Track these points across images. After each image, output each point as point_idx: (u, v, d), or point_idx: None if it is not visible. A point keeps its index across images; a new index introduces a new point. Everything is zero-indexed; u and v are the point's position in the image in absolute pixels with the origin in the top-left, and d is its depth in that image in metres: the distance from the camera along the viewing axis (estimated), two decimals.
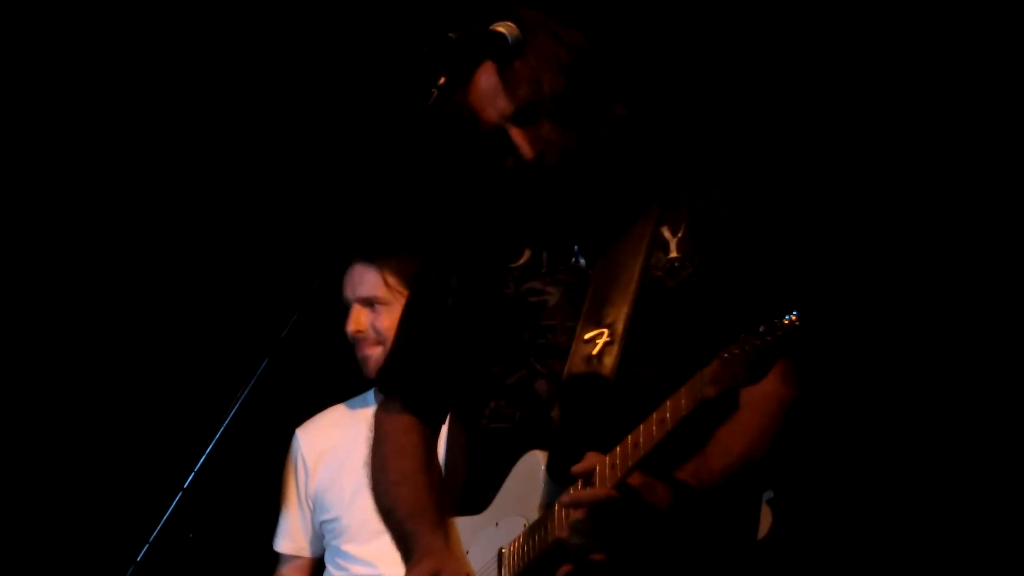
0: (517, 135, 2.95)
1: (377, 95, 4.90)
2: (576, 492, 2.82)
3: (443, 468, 3.21)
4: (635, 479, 2.79)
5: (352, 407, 4.63)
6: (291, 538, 4.64)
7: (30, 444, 5.24)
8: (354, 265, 4.47)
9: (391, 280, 4.41)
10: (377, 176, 2.95)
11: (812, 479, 4.68)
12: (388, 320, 4.35)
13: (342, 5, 5.09)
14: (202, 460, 2.94)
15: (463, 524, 3.08)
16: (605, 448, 2.82)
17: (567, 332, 3.00)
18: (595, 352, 2.95)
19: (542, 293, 3.05)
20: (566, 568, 2.82)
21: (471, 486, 3.11)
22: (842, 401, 4.64)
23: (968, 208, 4.59)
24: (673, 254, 3.01)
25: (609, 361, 2.93)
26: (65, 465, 5.26)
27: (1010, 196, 4.54)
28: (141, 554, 2.97)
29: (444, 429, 3.27)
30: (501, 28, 2.95)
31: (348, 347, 4.49)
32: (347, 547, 4.50)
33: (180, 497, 2.95)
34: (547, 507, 2.91)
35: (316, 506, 4.58)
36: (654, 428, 2.74)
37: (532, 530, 2.93)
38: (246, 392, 2.93)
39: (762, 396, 2.92)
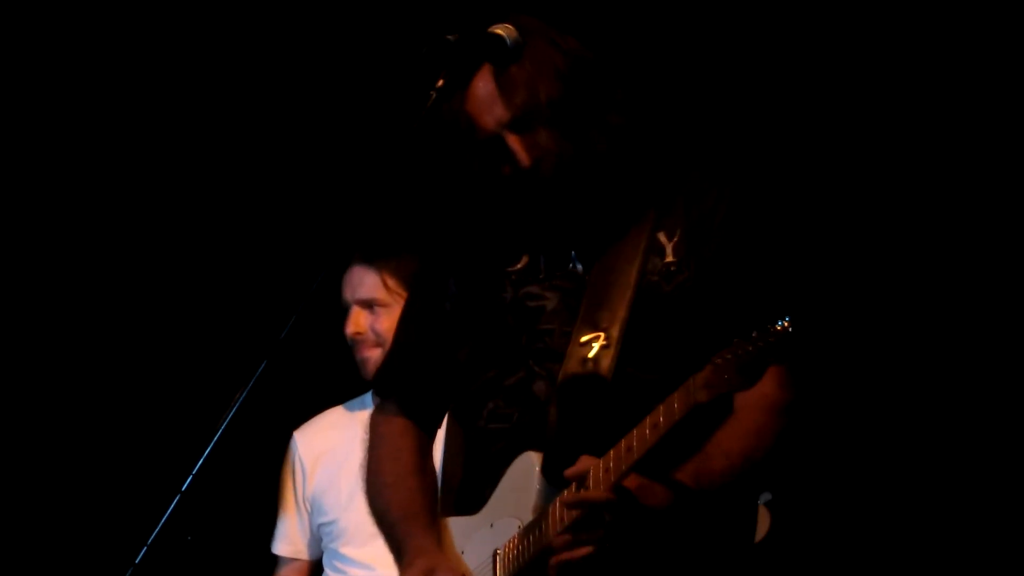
0: (514, 142, 2.95)
1: (375, 97, 4.90)
2: (573, 495, 2.82)
3: (440, 470, 3.21)
4: (632, 481, 2.80)
5: (350, 409, 4.63)
6: (289, 540, 4.64)
7: (29, 445, 5.24)
8: (353, 267, 4.47)
9: (390, 282, 4.41)
10: (376, 178, 2.95)
11: (810, 482, 4.68)
12: (387, 322, 4.34)
13: (342, 6, 5.09)
14: (200, 462, 2.94)
15: (458, 525, 3.09)
16: (600, 450, 2.82)
17: (565, 336, 3.00)
18: (591, 355, 2.95)
19: (540, 298, 3.05)
20: (557, 558, 2.82)
21: (468, 486, 3.11)
22: (839, 405, 4.65)
23: (962, 212, 4.59)
24: (669, 259, 3.02)
25: (605, 364, 2.94)
26: (64, 467, 5.26)
27: (1003, 201, 4.55)
28: (139, 556, 2.97)
29: (441, 432, 3.27)
30: (500, 30, 2.95)
31: (346, 349, 4.50)
32: (345, 549, 4.50)
33: (178, 499, 2.95)
34: (542, 509, 2.91)
35: (314, 508, 4.57)
36: (647, 432, 2.75)
37: (527, 531, 2.93)
38: (244, 394, 2.93)
39: (759, 400, 2.93)
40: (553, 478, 2.91)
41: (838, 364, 4.60)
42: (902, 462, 4.68)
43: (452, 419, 3.21)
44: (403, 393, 3.21)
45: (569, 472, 2.84)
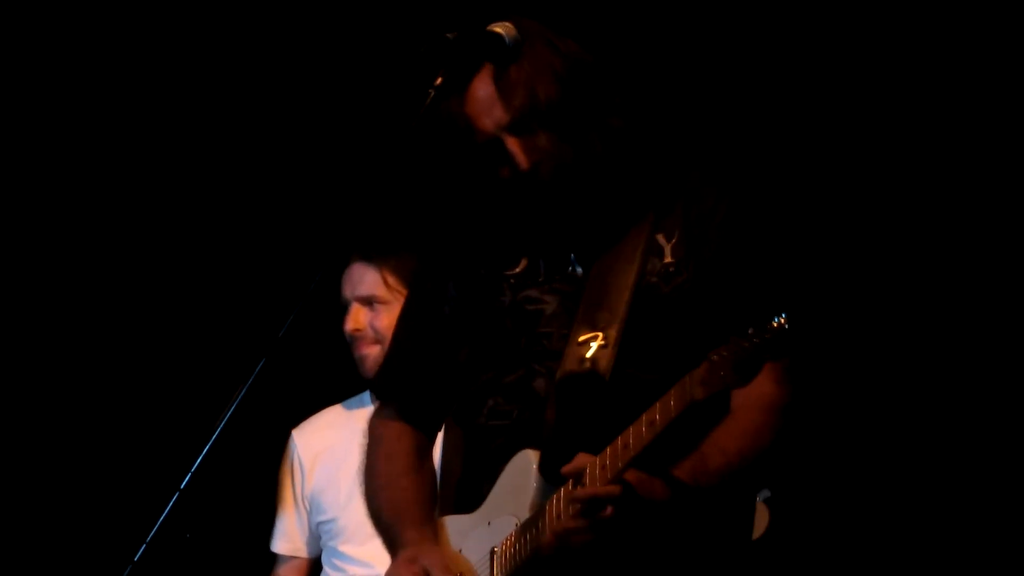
0: (513, 145, 2.95)
1: (374, 95, 4.90)
2: (570, 491, 2.82)
3: (439, 471, 3.21)
4: (630, 475, 2.80)
5: (349, 408, 4.63)
6: (288, 539, 4.64)
7: (28, 445, 5.23)
8: (353, 264, 4.47)
9: (390, 279, 4.41)
10: (374, 176, 2.95)
11: (808, 478, 4.68)
12: (387, 319, 4.34)
13: (340, 5, 5.09)
14: (199, 460, 2.94)
15: (455, 523, 3.09)
16: (598, 448, 2.83)
17: (564, 339, 3.00)
18: (589, 355, 2.95)
19: (539, 301, 3.05)
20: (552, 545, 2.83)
21: (467, 484, 3.12)
22: (838, 402, 4.65)
23: (959, 210, 4.60)
24: (668, 260, 3.02)
25: (603, 363, 2.94)
26: (62, 466, 5.26)
27: (997, 203, 4.56)
28: (138, 554, 2.97)
29: (439, 436, 3.28)
30: (499, 29, 2.95)
31: (345, 348, 4.49)
32: (344, 548, 4.50)
33: (177, 497, 2.95)
34: (539, 506, 2.91)
35: (313, 507, 4.57)
36: (644, 429, 2.75)
37: (524, 529, 2.94)
38: (243, 392, 2.93)
39: (757, 398, 2.93)
40: (551, 476, 2.91)
41: (836, 361, 4.61)
42: (900, 459, 4.68)
43: (451, 420, 3.21)
44: (401, 397, 3.22)
45: (566, 469, 2.84)
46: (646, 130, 3.07)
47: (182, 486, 2.95)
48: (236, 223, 5.30)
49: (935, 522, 4.63)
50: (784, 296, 2.99)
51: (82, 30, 5.12)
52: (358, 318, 4.44)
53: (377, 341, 4.39)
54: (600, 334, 2.96)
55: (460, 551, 3.05)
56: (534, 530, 2.89)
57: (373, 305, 4.44)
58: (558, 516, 2.85)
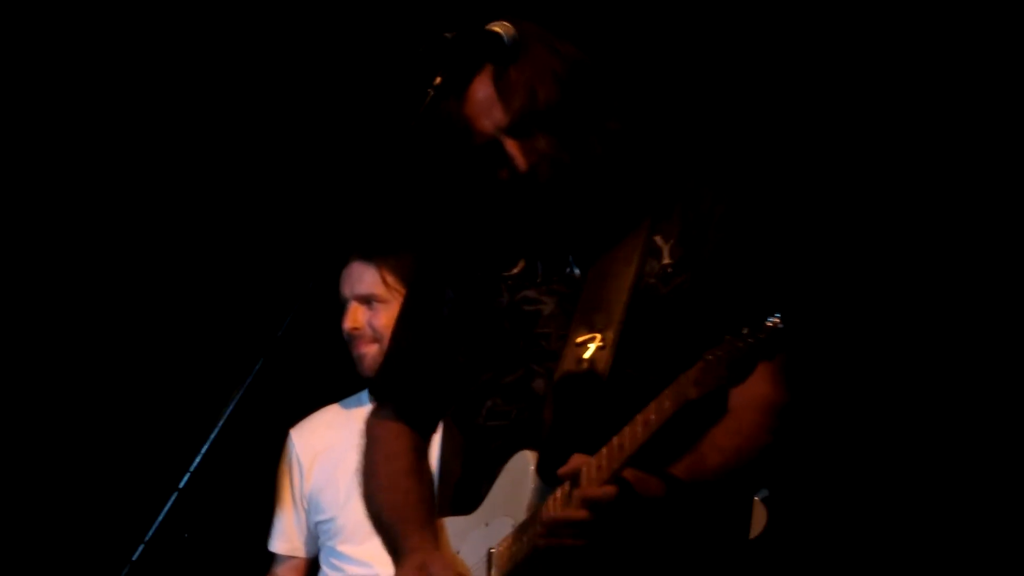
0: (512, 147, 2.95)
1: (373, 95, 4.90)
2: (571, 491, 2.82)
3: (437, 472, 3.22)
4: (628, 475, 2.80)
5: (347, 407, 4.63)
6: (286, 538, 4.64)
7: (26, 444, 5.23)
8: (352, 263, 4.47)
9: (389, 278, 4.41)
10: (373, 176, 2.95)
11: (807, 477, 4.69)
12: (385, 318, 4.35)
13: (339, 5, 5.09)
14: (197, 460, 2.94)
15: (454, 525, 3.09)
16: (596, 449, 2.83)
17: (562, 339, 3.00)
18: (586, 355, 2.95)
19: (537, 302, 3.05)
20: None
21: (465, 485, 3.11)
22: (836, 402, 4.65)
23: (956, 210, 4.61)
24: (666, 261, 3.02)
25: (601, 364, 2.94)
26: (61, 465, 5.26)
27: (995, 204, 4.56)
28: (136, 554, 2.97)
29: (436, 437, 3.28)
30: (497, 28, 2.95)
31: (343, 347, 4.50)
32: (343, 547, 4.50)
33: (175, 497, 2.95)
34: (536, 507, 2.91)
35: (311, 507, 4.57)
36: (639, 429, 2.75)
37: (521, 530, 2.94)
38: (241, 392, 2.93)
39: (755, 397, 2.93)
40: (548, 477, 2.91)
41: (834, 361, 4.61)
42: (898, 458, 4.68)
43: (449, 421, 3.21)
44: (399, 398, 3.21)
45: (562, 471, 2.85)
46: (644, 133, 3.07)
47: (180, 485, 2.95)
48: (235, 223, 5.30)
49: (933, 521, 4.63)
50: (782, 296, 2.99)
51: (82, 30, 5.12)
52: (356, 317, 4.44)
53: (375, 340, 4.39)
54: (598, 335, 2.96)
55: (458, 552, 3.05)
56: (531, 531, 2.89)
57: (371, 304, 4.44)
58: (556, 515, 2.85)
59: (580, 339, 2.97)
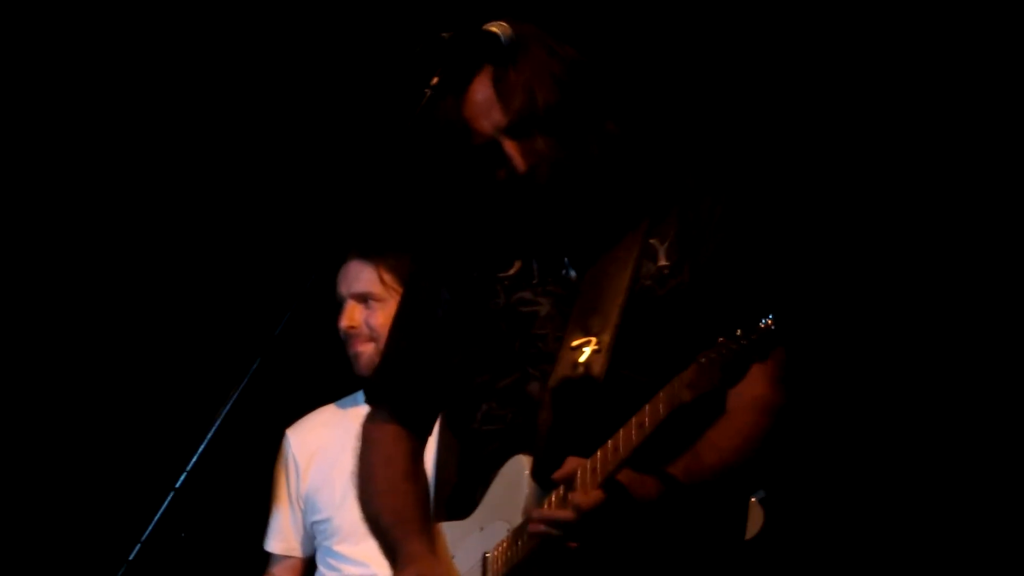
0: (510, 147, 2.95)
1: (370, 95, 4.90)
2: (565, 496, 2.82)
3: (432, 476, 3.21)
4: (623, 477, 2.80)
5: (343, 407, 4.63)
6: (282, 538, 4.63)
7: (23, 444, 5.23)
8: (349, 261, 4.47)
9: (386, 277, 4.41)
10: (370, 176, 2.95)
11: (803, 478, 4.69)
12: (382, 317, 4.34)
13: (337, 5, 5.09)
14: (194, 460, 2.94)
15: (449, 529, 3.08)
16: (591, 453, 2.83)
17: (558, 341, 3.00)
18: (582, 359, 2.95)
19: (533, 304, 3.05)
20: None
21: (461, 490, 3.11)
22: (833, 403, 4.66)
23: (953, 213, 4.61)
24: (663, 263, 3.02)
25: (597, 367, 2.94)
26: (57, 464, 5.25)
27: (992, 206, 4.57)
28: (133, 553, 2.97)
29: (432, 440, 3.27)
30: (494, 28, 2.95)
31: (339, 347, 4.49)
32: (339, 547, 4.49)
33: (172, 497, 2.95)
34: (531, 512, 2.91)
35: (307, 506, 4.57)
36: (633, 432, 2.75)
37: (516, 535, 2.93)
38: (238, 392, 2.93)
39: (752, 399, 2.93)
40: (544, 482, 2.91)
41: (830, 361, 4.61)
42: (894, 459, 4.69)
43: (445, 424, 3.21)
44: (395, 401, 3.21)
45: (557, 475, 2.85)
46: (641, 135, 3.07)
47: (177, 485, 2.95)
48: (231, 222, 5.30)
49: (929, 522, 4.64)
50: (780, 298, 2.99)
51: (82, 30, 5.12)
52: (353, 315, 4.44)
53: (372, 339, 4.39)
54: (593, 339, 2.96)
55: (453, 557, 3.05)
56: (526, 535, 2.89)
57: (368, 302, 4.44)
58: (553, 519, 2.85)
59: (576, 342, 2.97)
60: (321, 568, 4.55)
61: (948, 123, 4.59)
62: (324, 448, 4.54)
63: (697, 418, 2.88)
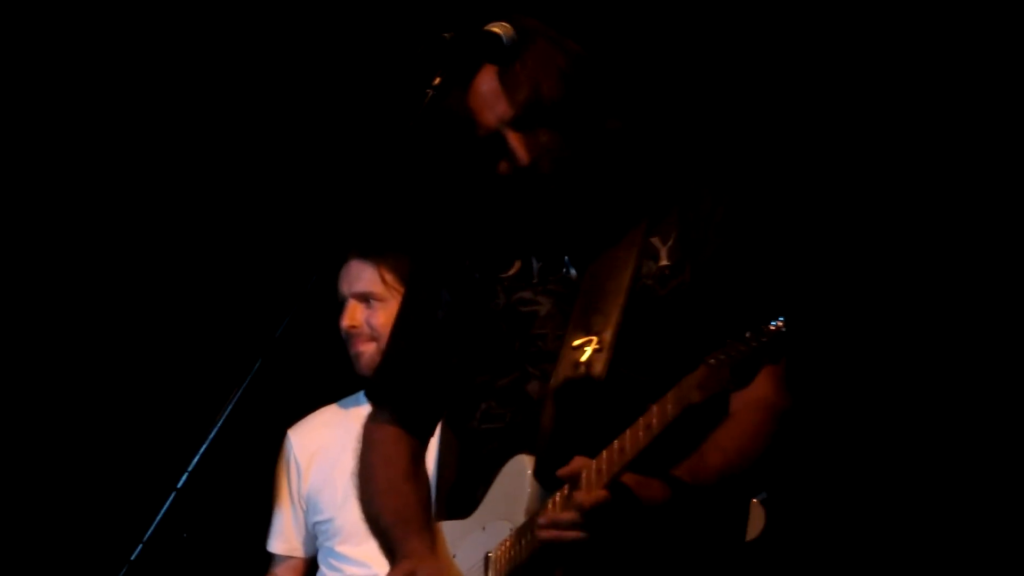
0: (514, 140, 2.95)
1: (371, 95, 4.90)
2: (570, 496, 2.82)
3: (434, 476, 3.21)
4: (629, 479, 2.80)
5: (344, 407, 4.63)
6: (284, 538, 4.63)
7: (24, 444, 5.23)
8: (351, 261, 4.47)
9: (388, 276, 4.41)
10: (372, 177, 2.95)
11: (805, 480, 4.69)
12: (383, 316, 4.35)
13: (338, 5, 5.09)
14: (196, 460, 2.94)
15: (450, 529, 3.08)
16: (594, 453, 2.82)
17: (558, 340, 3.00)
18: (583, 359, 2.95)
19: (533, 303, 3.05)
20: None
21: (461, 488, 3.11)
22: (835, 405, 4.65)
23: (957, 213, 4.61)
24: (664, 263, 3.02)
25: (598, 367, 2.94)
26: (59, 465, 5.25)
27: (996, 206, 4.57)
28: (135, 554, 2.97)
29: (434, 440, 3.27)
30: (496, 28, 2.95)
31: (341, 347, 4.49)
32: (341, 548, 4.49)
33: (174, 497, 2.95)
34: (534, 512, 2.91)
35: (309, 507, 4.57)
36: (640, 433, 2.75)
37: (519, 534, 2.93)
38: (240, 392, 2.93)
39: (756, 400, 2.93)
40: (546, 481, 2.91)
41: (833, 364, 4.61)
42: (896, 461, 4.68)
43: (446, 425, 3.21)
44: (396, 402, 3.21)
45: (562, 471, 2.84)
46: (644, 132, 3.07)
47: (179, 485, 2.95)
48: (233, 223, 5.30)
49: (931, 524, 4.63)
50: (783, 299, 2.99)
51: (82, 30, 5.12)
52: (354, 315, 4.44)
53: (373, 338, 4.39)
54: (594, 338, 2.96)
55: (454, 556, 3.05)
56: (529, 535, 2.89)
57: (370, 302, 4.44)
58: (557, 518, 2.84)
59: (577, 342, 2.97)
60: (323, 568, 4.55)
61: (949, 123, 4.59)
62: (325, 448, 4.54)
63: (702, 420, 2.88)
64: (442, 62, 2.95)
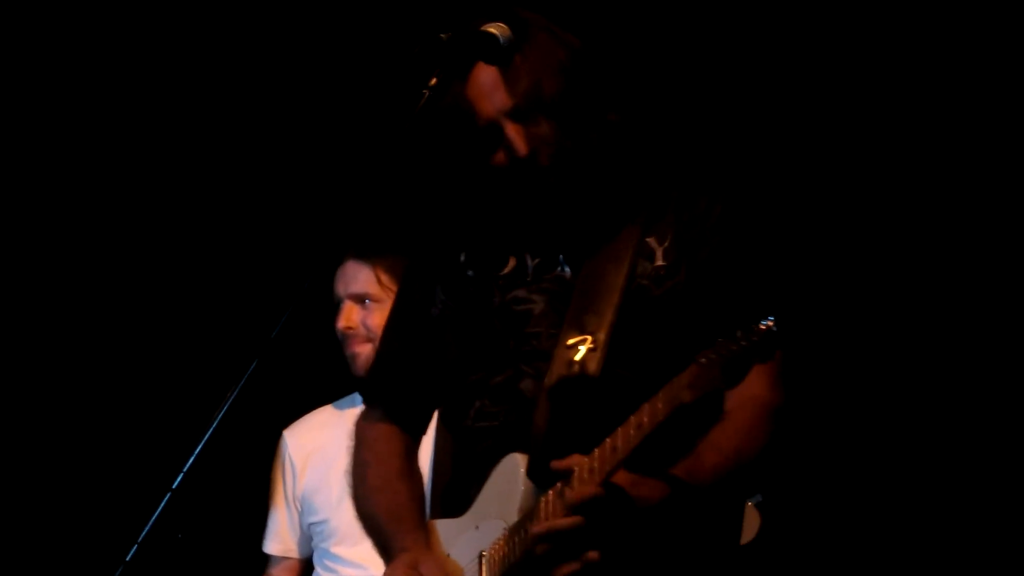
0: (512, 130, 2.95)
1: (368, 95, 4.90)
2: (564, 494, 2.82)
3: (429, 474, 3.21)
4: (624, 477, 2.80)
5: (340, 408, 4.63)
6: (280, 539, 4.64)
7: (20, 444, 5.23)
8: (347, 262, 4.47)
9: (384, 277, 4.41)
10: (368, 177, 2.95)
11: (800, 482, 4.69)
12: (379, 317, 4.34)
13: (336, 5, 5.09)
14: (191, 461, 2.94)
15: (444, 527, 3.08)
16: (586, 451, 2.82)
17: (552, 339, 3.00)
18: (577, 358, 2.95)
19: (527, 301, 3.05)
20: (565, 569, 2.82)
21: (455, 487, 3.11)
22: (830, 406, 4.66)
23: (952, 213, 4.61)
24: (659, 263, 3.02)
25: (592, 366, 2.94)
26: (55, 465, 5.25)
27: (991, 206, 4.57)
28: (130, 554, 2.97)
29: (427, 439, 3.27)
30: (492, 29, 2.95)
31: (337, 348, 4.49)
32: (336, 549, 4.49)
33: (169, 497, 2.95)
34: (527, 510, 2.91)
35: (304, 508, 4.57)
36: (632, 432, 2.75)
37: (512, 533, 2.93)
38: (235, 392, 2.92)
39: (751, 399, 2.93)
40: (539, 480, 2.91)
41: (828, 365, 4.61)
42: (892, 463, 4.68)
43: (440, 425, 3.21)
44: (389, 400, 3.21)
45: (556, 464, 2.84)
46: (641, 130, 3.07)
47: (174, 486, 2.95)
48: (229, 224, 5.29)
49: (927, 526, 4.63)
50: (777, 299, 2.99)
51: (82, 30, 5.12)
52: (350, 316, 4.44)
53: (369, 339, 4.39)
54: (589, 337, 2.96)
55: (448, 555, 3.05)
56: (523, 533, 2.89)
57: (365, 303, 4.44)
58: (547, 519, 2.84)
59: (571, 340, 2.97)
60: (318, 569, 4.55)
61: (947, 123, 4.59)
62: (321, 449, 4.54)
63: (694, 419, 2.88)
64: (439, 62, 2.95)
